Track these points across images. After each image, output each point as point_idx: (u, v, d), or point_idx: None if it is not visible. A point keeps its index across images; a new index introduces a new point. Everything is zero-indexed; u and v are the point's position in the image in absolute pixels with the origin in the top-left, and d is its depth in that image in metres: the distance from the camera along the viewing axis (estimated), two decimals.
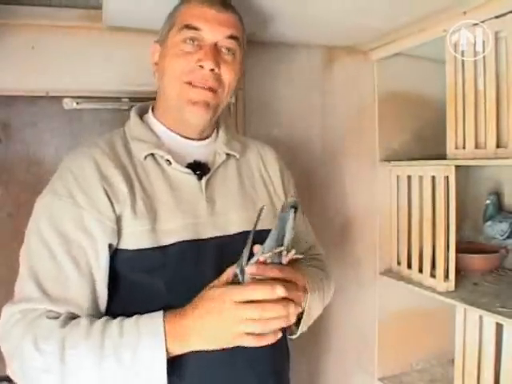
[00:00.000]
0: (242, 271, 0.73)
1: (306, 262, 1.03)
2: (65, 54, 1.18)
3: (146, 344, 0.70)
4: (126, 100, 1.27)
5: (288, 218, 0.73)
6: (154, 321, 0.72)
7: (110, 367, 0.70)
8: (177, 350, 0.72)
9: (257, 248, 0.75)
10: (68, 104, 1.23)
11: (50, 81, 1.18)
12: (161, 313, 0.73)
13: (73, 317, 0.76)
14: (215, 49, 0.89)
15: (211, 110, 0.91)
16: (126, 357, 0.70)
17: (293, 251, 0.75)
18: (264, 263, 0.73)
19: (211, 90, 0.90)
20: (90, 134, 1.27)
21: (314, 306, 0.90)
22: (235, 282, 0.74)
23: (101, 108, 1.26)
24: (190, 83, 0.89)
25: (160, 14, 1.10)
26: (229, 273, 0.75)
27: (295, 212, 0.73)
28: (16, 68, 1.15)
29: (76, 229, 0.79)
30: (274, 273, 0.73)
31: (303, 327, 0.90)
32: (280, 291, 0.69)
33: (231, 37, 0.91)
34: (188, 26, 0.89)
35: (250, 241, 0.74)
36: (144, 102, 1.03)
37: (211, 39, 0.89)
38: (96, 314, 0.79)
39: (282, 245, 0.73)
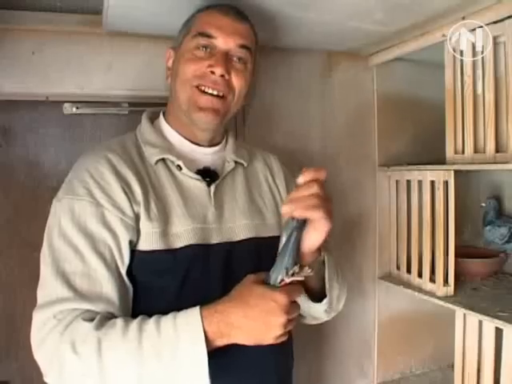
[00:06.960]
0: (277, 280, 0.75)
1: None
2: (65, 59, 1.18)
3: (186, 346, 0.71)
4: (126, 105, 1.27)
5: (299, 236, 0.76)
6: (192, 323, 0.72)
7: (150, 366, 0.71)
8: (217, 344, 0.74)
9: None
10: (68, 109, 1.24)
11: (50, 86, 1.18)
12: (197, 312, 0.73)
13: (108, 317, 0.76)
14: (227, 56, 0.91)
15: (220, 116, 0.92)
16: (166, 355, 0.70)
17: (307, 270, 0.77)
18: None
19: (220, 96, 0.91)
20: (89, 138, 1.27)
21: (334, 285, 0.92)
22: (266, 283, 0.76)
23: (100, 113, 1.27)
24: (200, 88, 0.90)
25: (160, 19, 1.11)
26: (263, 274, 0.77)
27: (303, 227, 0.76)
28: (16, 73, 1.15)
29: (99, 227, 0.80)
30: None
31: (332, 292, 0.91)
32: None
33: (243, 46, 0.92)
34: (202, 34, 0.91)
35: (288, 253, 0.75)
36: (152, 108, 1.04)
37: (223, 47, 0.91)
38: (126, 310, 0.80)
39: (296, 263, 0.76)
